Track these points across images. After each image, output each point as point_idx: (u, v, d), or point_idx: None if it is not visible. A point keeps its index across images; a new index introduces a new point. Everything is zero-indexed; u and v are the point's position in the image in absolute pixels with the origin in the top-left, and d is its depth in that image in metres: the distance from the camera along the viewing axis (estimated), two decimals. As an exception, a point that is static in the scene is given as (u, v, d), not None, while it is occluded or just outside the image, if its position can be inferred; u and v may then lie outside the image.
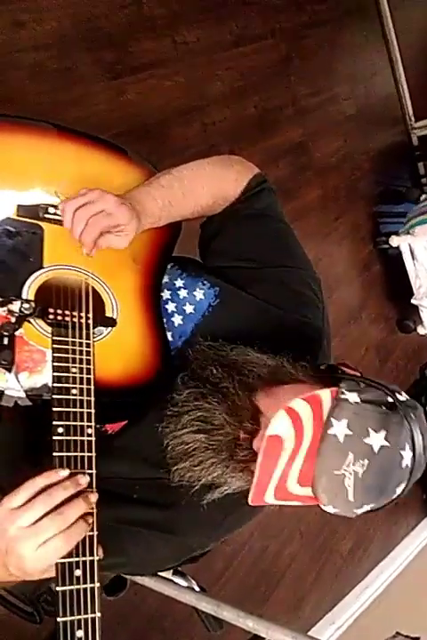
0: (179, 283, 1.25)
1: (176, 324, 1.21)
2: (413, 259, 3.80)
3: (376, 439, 0.92)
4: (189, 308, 1.21)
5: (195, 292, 1.23)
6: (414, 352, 4.45)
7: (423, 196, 4.11)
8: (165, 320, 1.19)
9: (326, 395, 0.96)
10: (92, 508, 0.87)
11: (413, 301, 3.91)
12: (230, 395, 1.04)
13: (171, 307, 1.22)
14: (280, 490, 0.96)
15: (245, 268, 1.24)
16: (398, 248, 3.79)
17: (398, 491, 0.96)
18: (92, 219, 1.01)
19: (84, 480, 0.87)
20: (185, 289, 1.23)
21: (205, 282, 1.24)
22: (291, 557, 3.33)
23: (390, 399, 0.97)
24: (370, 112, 4.26)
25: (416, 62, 4.51)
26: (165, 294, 1.23)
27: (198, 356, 1.13)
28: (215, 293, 1.22)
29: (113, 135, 2.38)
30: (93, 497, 0.87)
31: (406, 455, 0.94)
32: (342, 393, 0.96)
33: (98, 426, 1.09)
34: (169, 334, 1.18)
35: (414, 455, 0.94)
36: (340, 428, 0.93)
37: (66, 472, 0.86)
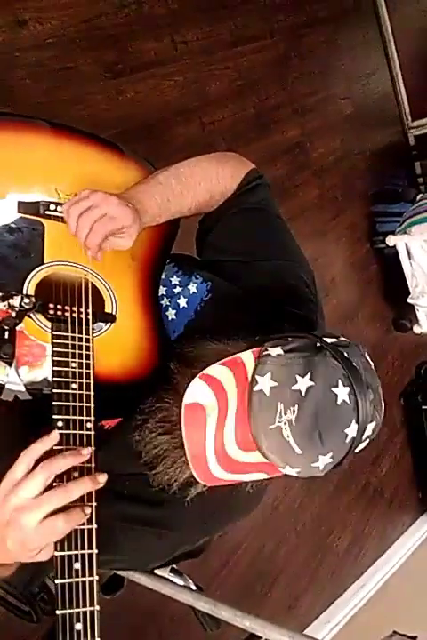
0: (174, 280, 1.26)
1: (170, 319, 1.22)
2: (409, 258, 3.80)
3: (303, 383, 0.89)
4: (182, 302, 1.23)
5: (188, 287, 1.24)
6: (410, 351, 4.46)
7: (420, 196, 4.12)
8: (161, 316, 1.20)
9: (247, 356, 0.95)
10: (91, 503, 0.88)
11: (409, 301, 3.92)
12: (180, 389, 1.01)
13: (165, 302, 1.23)
14: (223, 459, 0.93)
15: (239, 262, 1.25)
16: (394, 247, 3.80)
17: (350, 433, 0.90)
18: (96, 224, 1.01)
19: (86, 451, 0.88)
20: (180, 286, 1.25)
21: (198, 276, 1.25)
22: (287, 556, 3.34)
23: (318, 344, 0.94)
24: (367, 112, 4.26)
25: (413, 62, 4.52)
26: (161, 291, 1.24)
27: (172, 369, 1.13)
28: (208, 288, 1.23)
29: (113, 134, 2.38)
30: (102, 477, 0.88)
31: (341, 392, 0.89)
32: (266, 350, 0.94)
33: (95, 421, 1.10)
34: None
35: (352, 391, 0.90)
36: (265, 383, 0.90)
37: (56, 434, 0.88)
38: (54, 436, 0.87)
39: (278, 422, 0.89)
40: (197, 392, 0.94)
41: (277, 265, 1.25)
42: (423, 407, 4.16)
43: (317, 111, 3.79)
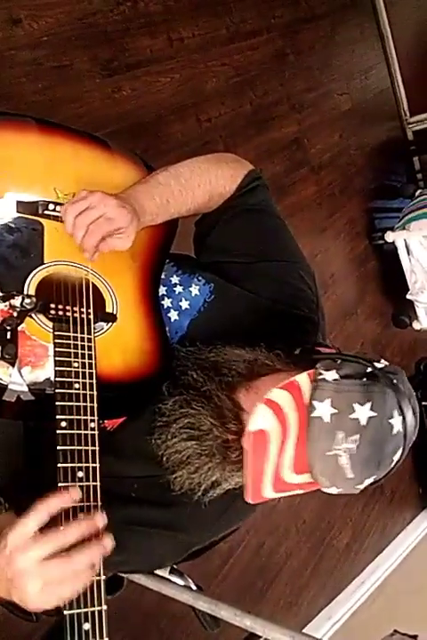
0: (175, 279, 1.25)
1: (172, 320, 1.22)
2: (408, 254, 3.80)
3: (362, 412, 0.91)
4: (184, 304, 1.22)
5: (190, 288, 1.24)
6: (409, 347, 4.46)
7: (418, 192, 4.12)
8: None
9: (303, 379, 0.96)
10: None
11: (408, 297, 3.91)
12: (212, 397, 1.04)
13: (167, 302, 1.23)
14: (277, 482, 0.95)
15: (239, 263, 1.25)
16: (393, 244, 3.79)
17: (396, 457, 0.96)
18: (92, 225, 1.01)
19: (101, 521, 0.85)
20: (181, 285, 1.24)
21: (200, 278, 1.25)
22: (287, 553, 3.34)
23: (369, 369, 0.97)
24: (365, 107, 4.26)
25: (411, 57, 4.51)
26: (161, 290, 1.24)
27: (179, 362, 1.13)
28: (210, 289, 1.23)
29: (109, 132, 2.37)
30: (109, 543, 0.84)
31: (396, 422, 0.94)
32: (320, 373, 0.96)
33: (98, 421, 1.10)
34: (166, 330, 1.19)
35: (403, 419, 0.94)
36: (324, 409, 0.92)
37: (78, 494, 0.84)
38: (74, 494, 0.84)
39: (336, 449, 0.92)
40: (262, 418, 0.94)
41: (278, 266, 1.25)
42: (423, 403, 4.16)
43: (314, 107, 3.78)
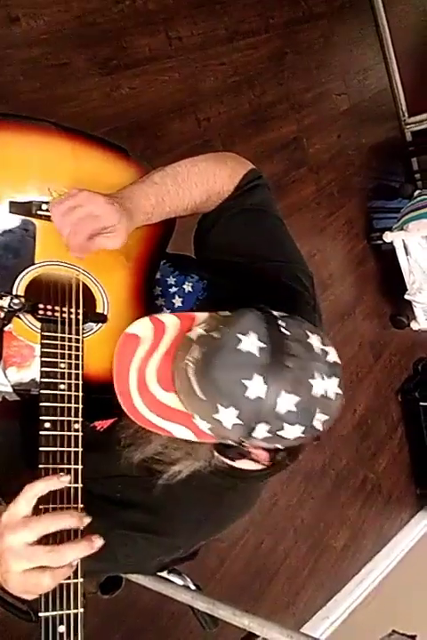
0: (170, 280, 1.26)
1: None
2: (406, 254, 3.80)
3: (222, 330, 0.90)
4: (177, 302, 1.23)
5: (184, 285, 1.24)
6: (407, 347, 4.46)
7: (417, 192, 4.11)
8: None
9: (204, 314, 0.97)
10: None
11: (406, 297, 3.91)
12: None
13: (160, 301, 1.23)
14: (145, 394, 0.94)
15: (238, 263, 1.24)
16: (391, 244, 3.79)
17: (252, 386, 0.86)
18: (78, 223, 0.99)
19: (87, 521, 0.87)
20: (175, 286, 1.24)
21: (193, 275, 1.25)
22: (285, 553, 3.34)
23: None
24: (364, 108, 4.26)
25: (410, 58, 4.51)
26: (156, 290, 1.24)
27: None
28: (203, 286, 1.24)
29: (107, 131, 2.37)
30: (99, 542, 0.86)
31: (247, 340, 0.88)
32: (220, 313, 0.96)
33: (87, 423, 1.10)
34: None
35: (267, 348, 0.88)
36: (197, 331, 0.93)
37: (67, 479, 0.86)
38: (64, 479, 0.86)
39: (186, 359, 0.90)
40: (139, 326, 0.96)
41: (276, 266, 1.25)
42: (421, 403, 4.16)
43: (313, 107, 3.78)
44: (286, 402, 0.87)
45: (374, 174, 4.28)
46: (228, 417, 0.88)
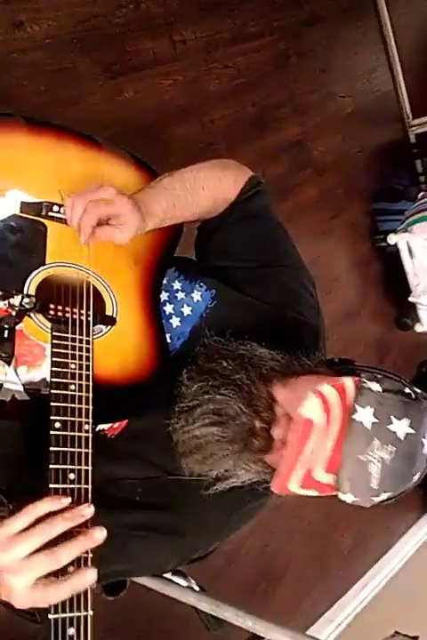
0: (176, 285, 1.26)
1: (174, 326, 1.22)
2: (411, 256, 3.79)
3: (401, 426, 0.94)
4: (186, 310, 1.22)
5: (192, 294, 1.24)
6: (412, 349, 4.45)
7: (421, 194, 4.10)
8: (163, 322, 1.20)
9: (349, 383, 0.98)
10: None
11: (410, 299, 3.91)
12: (245, 385, 1.06)
13: (169, 308, 1.23)
14: (307, 477, 0.97)
15: (242, 268, 1.26)
16: (396, 246, 3.79)
17: (416, 478, 0.99)
18: (90, 204, 1.01)
19: (88, 511, 0.84)
20: (183, 291, 1.25)
21: (202, 284, 1.25)
22: (291, 555, 3.33)
23: (407, 390, 1.00)
24: (368, 110, 4.25)
25: (414, 60, 4.50)
26: (163, 296, 1.24)
27: (205, 350, 1.14)
28: (212, 295, 1.24)
29: (111, 134, 2.37)
30: (100, 534, 0.83)
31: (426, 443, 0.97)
32: (364, 382, 0.98)
33: (97, 428, 1.10)
34: (167, 336, 1.19)
35: None
36: (365, 415, 0.94)
37: (68, 500, 0.83)
38: (66, 500, 0.83)
39: (370, 455, 0.94)
40: (313, 408, 0.96)
41: (280, 271, 1.27)
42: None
43: (317, 109, 3.77)
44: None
45: (379, 176, 4.27)
46: (382, 497, 0.99)
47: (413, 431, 0.95)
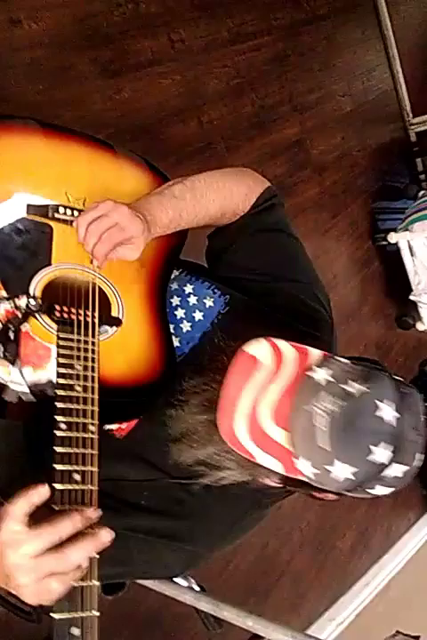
0: (188, 289, 1.25)
1: (184, 331, 1.21)
2: (411, 255, 3.80)
3: (356, 387, 0.90)
4: (198, 315, 1.22)
5: (205, 300, 1.24)
6: (413, 348, 4.45)
7: (422, 193, 4.11)
8: (173, 326, 1.19)
9: (316, 352, 0.96)
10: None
11: (411, 298, 3.91)
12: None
13: (180, 313, 1.23)
14: (251, 422, 0.93)
15: (258, 282, 1.26)
16: (396, 245, 3.79)
17: (378, 452, 0.88)
18: (105, 234, 1.01)
19: (95, 515, 0.83)
20: (195, 296, 1.24)
21: (215, 290, 1.25)
22: (291, 555, 3.33)
23: (380, 368, 0.97)
24: (368, 108, 4.25)
25: (414, 58, 4.51)
26: (175, 301, 1.24)
27: (211, 350, 1.13)
28: (225, 301, 1.23)
29: (110, 134, 2.37)
30: (107, 536, 0.82)
31: (386, 408, 0.89)
32: (335, 356, 0.96)
33: (105, 428, 1.10)
34: (177, 340, 1.19)
35: (401, 418, 0.89)
36: (321, 374, 0.91)
37: (46, 489, 0.81)
38: (43, 491, 0.81)
39: (314, 405, 0.89)
40: (258, 348, 0.95)
41: (295, 286, 1.27)
42: (427, 404, 4.15)
43: (316, 108, 3.78)
44: (399, 470, 0.92)
45: (379, 175, 4.28)
46: (341, 471, 0.89)
47: (367, 390, 0.89)
